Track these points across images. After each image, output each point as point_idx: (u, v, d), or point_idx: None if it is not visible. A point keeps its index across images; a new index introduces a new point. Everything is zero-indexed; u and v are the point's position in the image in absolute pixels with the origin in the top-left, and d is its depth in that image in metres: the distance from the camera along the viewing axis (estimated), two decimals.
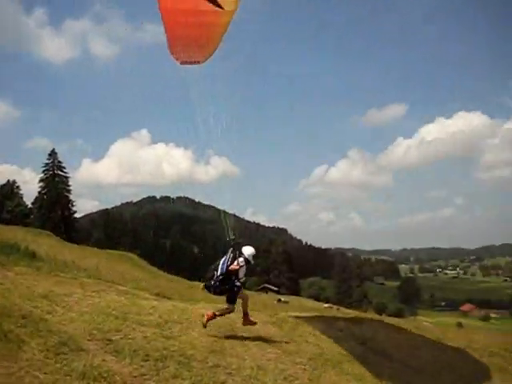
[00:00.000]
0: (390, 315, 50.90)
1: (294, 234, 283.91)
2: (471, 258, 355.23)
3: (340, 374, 7.53)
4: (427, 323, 43.15)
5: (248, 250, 9.84)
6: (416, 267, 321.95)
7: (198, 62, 8.16)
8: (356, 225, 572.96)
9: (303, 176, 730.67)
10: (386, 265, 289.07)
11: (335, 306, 37.21)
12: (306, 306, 27.38)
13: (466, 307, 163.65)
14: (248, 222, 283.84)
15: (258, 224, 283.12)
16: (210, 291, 9.52)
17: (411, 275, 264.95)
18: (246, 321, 9.85)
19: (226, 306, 9.48)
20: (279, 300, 34.65)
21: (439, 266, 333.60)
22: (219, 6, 6.54)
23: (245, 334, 9.06)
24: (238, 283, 9.44)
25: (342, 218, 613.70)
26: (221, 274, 9.28)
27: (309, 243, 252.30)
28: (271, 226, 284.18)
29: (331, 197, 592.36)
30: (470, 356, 12.27)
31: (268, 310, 14.32)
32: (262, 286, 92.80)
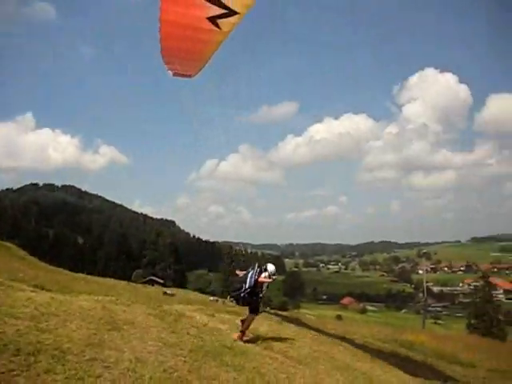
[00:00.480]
0: (274, 308, 52.38)
1: (183, 227, 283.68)
2: (352, 253, 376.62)
3: (220, 366, 7.64)
4: (309, 316, 45.17)
5: (271, 267, 11.12)
6: (301, 262, 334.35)
7: (190, 76, 8.49)
8: (244, 219, 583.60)
9: (193, 169, 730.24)
10: (272, 259, 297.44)
11: (221, 299, 37.49)
12: (191, 298, 27.43)
13: (346, 300, 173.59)
14: (135, 213, 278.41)
15: (146, 215, 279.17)
16: (238, 302, 10.76)
17: (296, 269, 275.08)
18: (242, 336, 10.72)
19: (246, 316, 10.70)
20: (165, 293, 34.29)
21: (322, 261, 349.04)
22: (217, 26, 7.06)
23: (126, 327, 8.85)
24: (260, 295, 10.62)
25: (230, 212, 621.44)
26: (249, 287, 10.35)
27: (197, 236, 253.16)
28: (159, 217, 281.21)
29: (221, 191, 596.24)
30: (347, 346, 13.00)
31: (152, 302, 14.12)
32: (148, 278, 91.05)
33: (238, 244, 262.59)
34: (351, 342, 14.98)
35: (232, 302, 11.37)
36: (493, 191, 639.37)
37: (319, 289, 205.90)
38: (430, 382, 11.86)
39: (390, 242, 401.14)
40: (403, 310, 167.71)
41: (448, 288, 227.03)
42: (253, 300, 10.55)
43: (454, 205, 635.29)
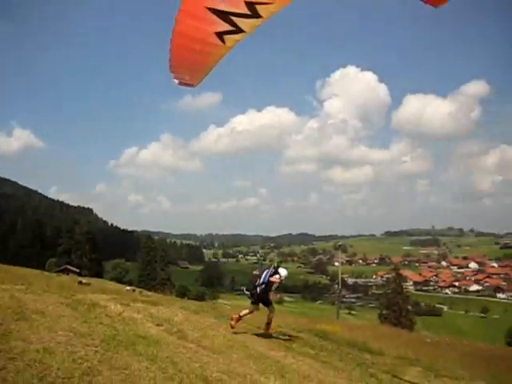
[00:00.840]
0: (191, 298, 52.35)
1: (101, 215, 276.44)
2: (271, 245, 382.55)
3: (133, 355, 7.55)
4: (226, 306, 45.54)
5: (283, 272, 12.55)
6: (220, 252, 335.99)
7: (193, 86, 8.99)
8: (164, 208, 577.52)
9: (113, 156, 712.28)
10: (191, 249, 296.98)
11: (138, 289, 36.95)
12: (107, 288, 26.74)
13: None
14: (51, 200, 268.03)
15: (63, 203, 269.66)
16: (252, 297, 12.44)
17: (215, 260, 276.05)
18: (267, 329, 13.27)
19: (251, 308, 12.71)
20: (80, 282, 33.23)
21: (241, 252, 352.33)
22: (223, 41, 7.69)
23: (35, 317, 8.52)
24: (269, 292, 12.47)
25: (150, 201, 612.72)
26: (262, 283, 12.19)
27: (115, 224, 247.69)
28: (76, 205, 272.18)
29: (141, 179, 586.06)
30: (261, 335, 13.23)
31: (65, 291, 13.66)
32: (63, 267, 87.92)
33: (157, 233, 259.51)
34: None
35: (247, 295, 12.72)
36: (406, 188, 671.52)
37: (237, 279, 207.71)
38: (340, 369, 12.36)
39: (307, 234, 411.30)
40: (319, 301, 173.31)
41: (362, 280, 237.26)
42: (264, 296, 12.39)
43: (369, 200, 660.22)
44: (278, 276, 12.33)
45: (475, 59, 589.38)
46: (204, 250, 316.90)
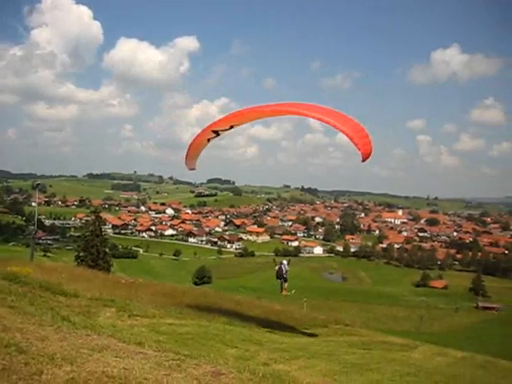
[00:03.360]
0: None
1: None
2: None
3: None
4: None
5: (285, 261, 22.11)
6: None
7: (194, 169, 14.80)
8: None
9: None
10: None
11: None
12: None
13: None
14: None
15: None
16: (281, 278, 21.34)
17: None
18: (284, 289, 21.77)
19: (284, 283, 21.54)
20: None
21: None
22: (218, 135, 12.96)
23: None
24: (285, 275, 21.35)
25: None
26: (285, 271, 21.42)
27: None
28: None
29: None
30: None
31: None
32: None
33: None
34: None
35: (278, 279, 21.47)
36: (112, 131, 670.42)
37: None
38: (30, 314, 11.48)
39: (2, 171, 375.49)
40: (12, 243, 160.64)
41: (60, 222, 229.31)
42: (284, 276, 21.24)
43: (73, 140, 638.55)
44: (285, 263, 22.35)
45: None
46: None
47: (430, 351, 22.73)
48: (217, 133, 13.72)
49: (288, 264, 21.80)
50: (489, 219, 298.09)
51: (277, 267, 21.49)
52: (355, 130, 12.62)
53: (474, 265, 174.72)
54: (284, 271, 21.20)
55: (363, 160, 13.44)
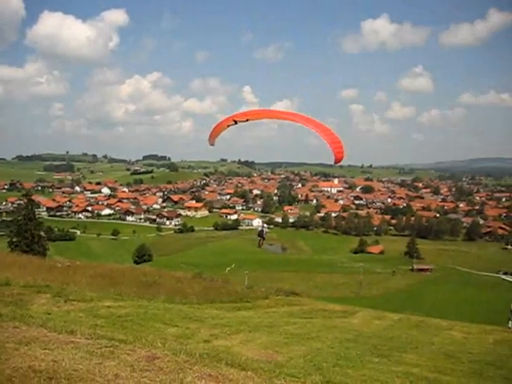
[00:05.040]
0: None
1: None
2: None
3: None
4: None
5: (266, 225, 32.35)
6: None
7: (213, 145, 16.91)
8: None
9: None
10: None
11: None
12: None
13: None
14: None
15: None
16: (260, 236, 24.79)
17: None
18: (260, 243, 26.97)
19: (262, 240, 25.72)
20: None
21: None
22: (236, 123, 15.52)
23: None
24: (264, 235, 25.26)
25: None
26: (265, 232, 25.93)
27: None
28: None
29: None
30: None
31: None
32: None
33: None
34: None
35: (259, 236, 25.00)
36: (40, 111, 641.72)
37: None
38: None
39: None
40: None
41: None
42: (263, 236, 24.83)
43: None
44: (266, 226, 27.43)
45: None
46: None
47: (369, 316, 23.64)
48: (235, 122, 16.08)
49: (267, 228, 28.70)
50: (420, 184, 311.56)
51: (259, 228, 25.97)
52: (332, 138, 14.74)
53: (408, 229, 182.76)
54: (264, 232, 25.22)
55: (336, 163, 15.55)
